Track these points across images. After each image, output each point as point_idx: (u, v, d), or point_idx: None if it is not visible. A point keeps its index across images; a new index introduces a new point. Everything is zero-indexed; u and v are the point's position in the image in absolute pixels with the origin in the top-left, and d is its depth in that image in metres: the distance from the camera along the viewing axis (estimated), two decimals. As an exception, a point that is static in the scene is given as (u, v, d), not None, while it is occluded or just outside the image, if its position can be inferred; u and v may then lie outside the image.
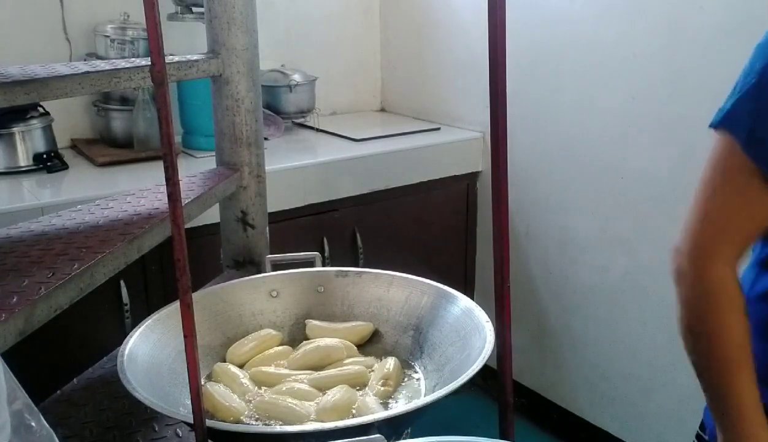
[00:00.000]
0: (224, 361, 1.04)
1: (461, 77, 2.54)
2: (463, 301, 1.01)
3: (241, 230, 1.58)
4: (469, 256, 2.64)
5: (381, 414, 0.79)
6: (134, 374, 0.85)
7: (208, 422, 0.75)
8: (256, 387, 0.97)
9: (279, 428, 0.85)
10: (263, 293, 1.12)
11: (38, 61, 1.44)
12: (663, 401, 2.05)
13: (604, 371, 2.23)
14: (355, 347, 1.06)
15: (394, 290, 1.10)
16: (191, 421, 0.74)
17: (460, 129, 2.57)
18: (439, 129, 2.58)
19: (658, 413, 2.07)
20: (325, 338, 1.05)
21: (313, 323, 1.10)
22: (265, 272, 1.18)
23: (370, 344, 1.08)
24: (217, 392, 0.93)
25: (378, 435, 0.68)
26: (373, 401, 0.90)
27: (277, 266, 1.20)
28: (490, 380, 0.88)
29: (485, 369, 0.83)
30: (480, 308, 0.97)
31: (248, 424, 0.89)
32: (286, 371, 1.00)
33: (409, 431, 0.92)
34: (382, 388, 0.94)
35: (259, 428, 0.87)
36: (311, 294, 1.13)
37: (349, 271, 1.14)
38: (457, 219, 2.57)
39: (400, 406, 0.92)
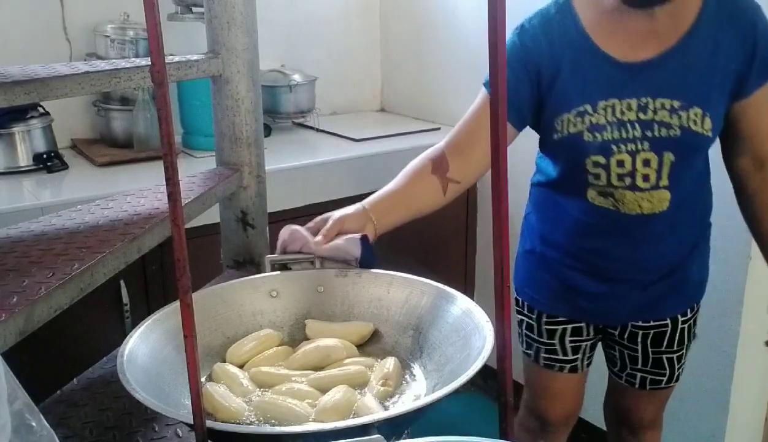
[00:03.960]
0: (224, 361, 1.04)
1: (461, 77, 2.54)
2: (462, 301, 1.01)
3: (241, 229, 1.58)
4: (469, 256, 2.64)
5: (381, 414, 0.78)
6: (134, 374, 0.85)
7: (208, 423, 0.75)
8: (256, 388, 0.97)
9: (279, 428, 0.85)
10: (263, 293, 1.12)
11: (38, 61, 1.44)
12: (663, 401, 2.04)
13: (603, 371, 2.23)
14: (355, 347, 1.05)
15: (394, 290, 1.09)
16: (191, 421, 0.74)
17: (460, 129, 2.57)
18: (439, 129, 2.58)
19: (658, 413, 2.07)
20: (325, 338, 1.05)
21: (313, 323, 1.10)
22: (265, 272, 1.17)
23: (370, 344, 1.08)
24: (217, 393, 0.93)
25: (378, 435, 0.68)
26: (372, 402, 0.90)
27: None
28: (490, 380, 0.88)
29: (485, 369, 0.83)
30: (480, 308, 0.97)
31: (248, 424, 0.89)
32: (286, 372, 1.00)
33: (409, 431, 0.92)
34: (382, 388, 0.94)
35: (259, 428, 0.87)
36: (311, 294, 1.13)
37: (349, 271, 1.14)
38: (457, 219, 2.57)
39: (400, 406, 0.92)
